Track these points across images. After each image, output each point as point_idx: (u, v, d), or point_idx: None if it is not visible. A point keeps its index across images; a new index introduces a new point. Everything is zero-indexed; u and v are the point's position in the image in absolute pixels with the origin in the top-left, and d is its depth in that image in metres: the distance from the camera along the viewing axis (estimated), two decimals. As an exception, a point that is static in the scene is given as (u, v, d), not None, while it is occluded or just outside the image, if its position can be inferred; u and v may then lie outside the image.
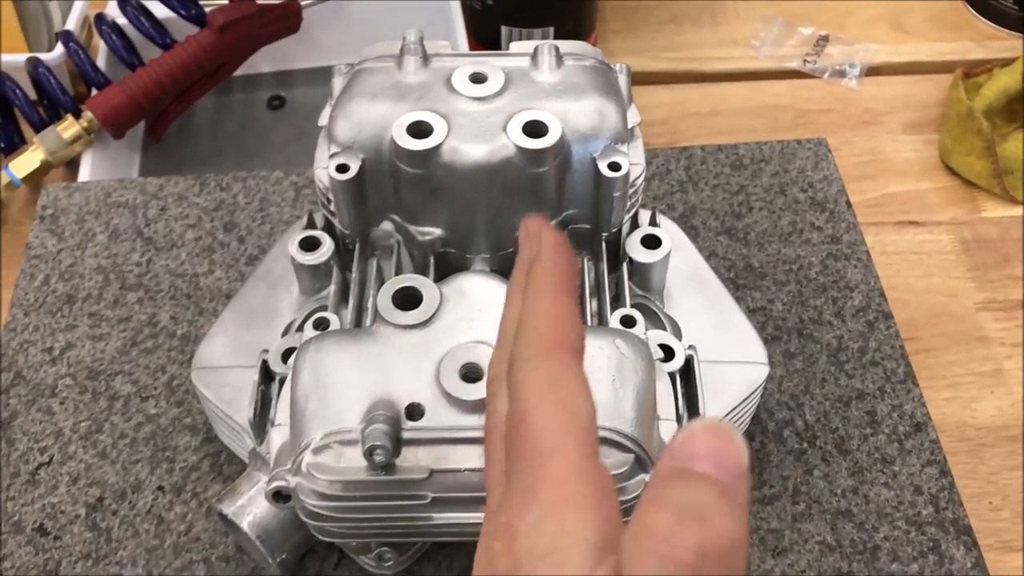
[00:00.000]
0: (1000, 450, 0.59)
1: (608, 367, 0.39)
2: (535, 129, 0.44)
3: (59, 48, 0.74)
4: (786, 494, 0.51)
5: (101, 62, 0.75)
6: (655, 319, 0.51)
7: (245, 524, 0.44)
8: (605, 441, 0.37)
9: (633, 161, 0.47)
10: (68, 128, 0.70)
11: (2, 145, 0.72)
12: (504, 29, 0.78)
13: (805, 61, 0.84)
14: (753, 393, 0.49)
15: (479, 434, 0.38)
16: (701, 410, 0.45)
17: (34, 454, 0.53)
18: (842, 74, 0.83)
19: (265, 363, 0.46)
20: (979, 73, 0.78)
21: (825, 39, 0.85)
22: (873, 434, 0.53)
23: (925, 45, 0.86)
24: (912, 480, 0.51)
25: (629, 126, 0.48)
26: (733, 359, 0.49)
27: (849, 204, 0.64)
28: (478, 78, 0.46)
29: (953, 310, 0.66)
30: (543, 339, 0.27)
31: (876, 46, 0.85)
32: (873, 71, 0.84)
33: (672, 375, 0.45)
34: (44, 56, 0.73)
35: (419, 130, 0.45)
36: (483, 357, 0.39)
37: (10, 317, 0.59)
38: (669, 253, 0.50)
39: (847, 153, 0.76)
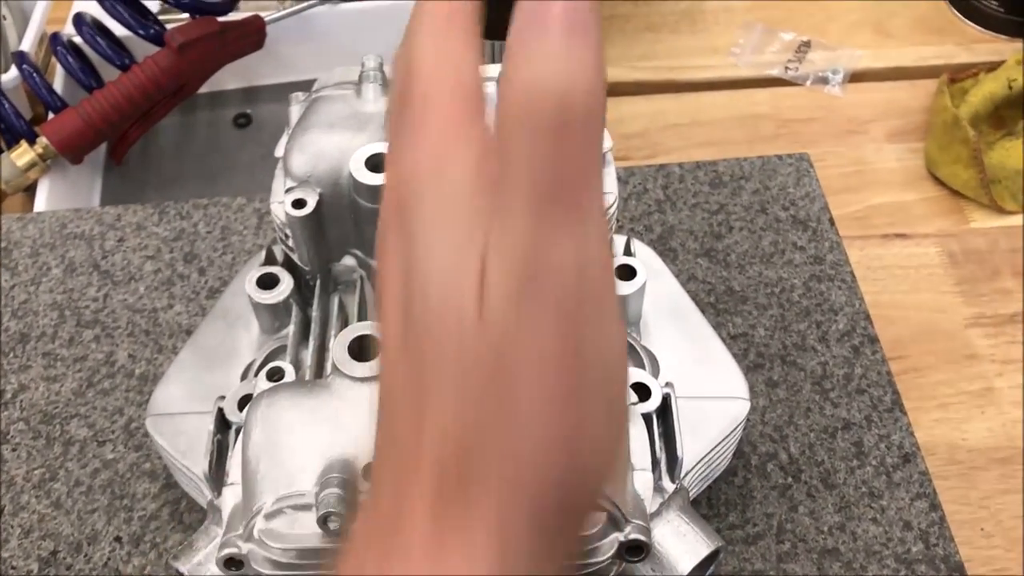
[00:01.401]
0: (991, 473, 0.57)
1: (577, 420, 0.36)
2: (499, 161, 0.42)
3: (13, 70, 0.71)
4: (770, 533, 0.49)
5: (58, 84, 0.73)
6: (632, 354, 0.48)
7: (202, 583, 0.42)
8: (574, 501, 0.35)
9: (604, 190, 0.45)
10: (23, 155, 0.67)
11: (-44, 173, 0.70)
12: (476, 41, 0.76)
13: (787, 68, 0.82)
14: (735, 430, 0.47)
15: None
16: (679, 452, 0.43)
17: (-15, 505, 0.51)
18: (825, 81, 0.81)
19: (221, 411, 0.44)
20: (965, 78, 0.76)
21: (807, 45, 0.83)
22: (860, 466, 0.51)
23: (909, 50, 0.84)
24: (901, 515, 0.49)
25: (600, 153, 0.45)
26: (713, 394, 0.47)
27: (832, 222, 0.62)
28: (439, 107, 0.44)
29: (942, 326, 0.64)
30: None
31: (859, 51, 0.83)
32: (856, 77, 0.81)
33: (647, 416, 0.43)
34: (-2, 79, 0.71)
35: (378, 163, 0.42)
36: (444, 411, 0.37)
37: (-40, 358, 0.56)
38: (644, 284, 0.48)
39: (830, 164, 0.74)
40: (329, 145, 0.44)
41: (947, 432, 0.59)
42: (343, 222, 0.45)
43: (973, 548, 0.53)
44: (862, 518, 0.49)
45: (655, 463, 0.42)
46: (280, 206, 0.44)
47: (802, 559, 0.48)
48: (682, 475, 0.44)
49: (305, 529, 0.35)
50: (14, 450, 0.52)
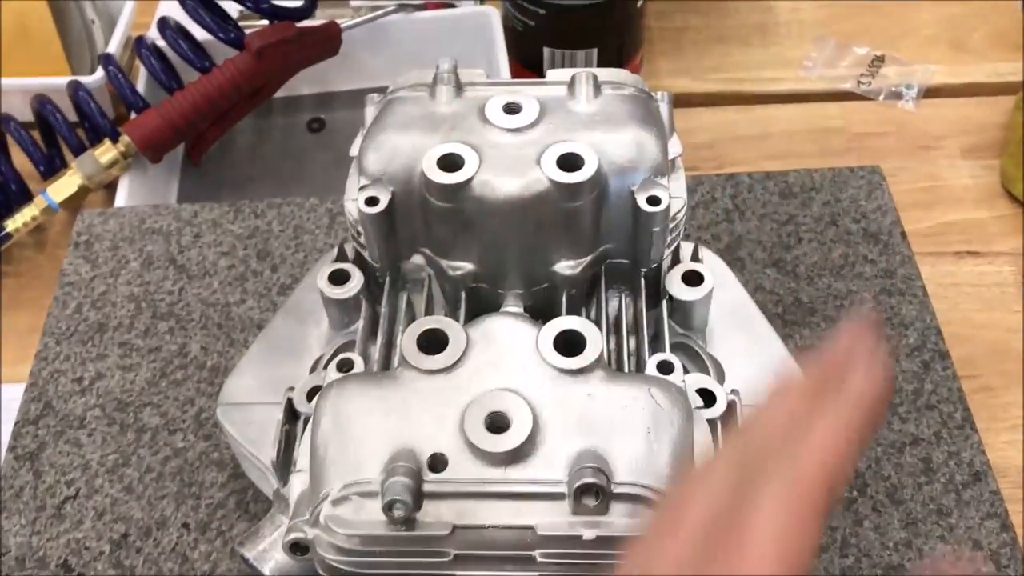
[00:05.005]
0: (1065, 498, 0.56)
1: (642, 419, 0.37)
2: (570, 162, 0.42)
3: (100, 71, 0.73)
4: (834, 546, 0.48)
5: (141, 85, 0.75)
6: (696, 360, 0.48)
7: (267, 569, 0.43)
8: (637, 499, 0.35)
9: (673, 194, 0.45)
10: (105, 153, 0.69)
11: (42, 169, 0.72)
12: (546, 51, 0.76)
13: (859, 82, 0.81)
14: (799, 440, 0.46)
15: (504, 488, 0.36)
16: (743, 460, 0.43)
17: (61, 487, 0.52)
18: (898, 96, 0.80)
19: (290, 402, 0.45)
20: (1043, 95, 0.75)
21: (880, 59, 0.82)
22: (928, 483, 0.50)
23: (986, 65, 0.82)
24: (970, 534, 0.48)
25: (670, 157, 0.46)
26: (778, 403, 0.47)
27: (904, 236, 0.61)
28: (512, 108, 0.45)
29: (1014, 346, 0.63)
30: (807, 471, 0.27)
31: (934, 67, 0.82)
32: (931, 93, 0.80)
33: (713, 422, 0.43)
34: (84, 79, 0.73)
35: (450, 163, 0.43)
36: (510, 406, 0.37)
37: (42, 345, 0.58)
38: (712, 291, 0.48)
39: (902, 179, 0.72)
40: (403, 144, 0.44)
41: (1018, 454, 0.57)
42: (413, 220, 0.45)
43: (1045, 573, 0.51)
44: (929, 535, 0.48)
45: (719, 468, 0.42)
46: (353, 203, 0.45)
47: (866, 573, 0.47)
48: (745, 483, 0.44)
49: (370, 516, 0.36)
50: (90, 435, 0.54)
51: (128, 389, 0.56)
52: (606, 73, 0.47)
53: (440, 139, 0.44)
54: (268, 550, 0.44)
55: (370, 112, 0.48)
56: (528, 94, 0.45)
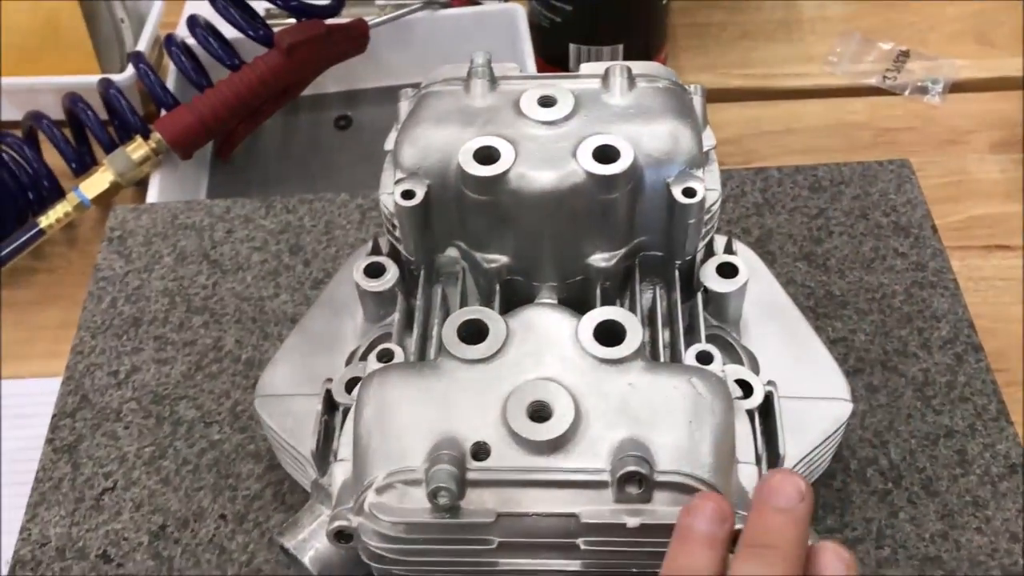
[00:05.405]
0: (1099, 491, 0.56)
1: (684, 408, 0.37)
2: (606, 154, 0.43)
3: (130, 69, 0.74)
4: (869, 537, 0.48)
5: (171, 83, 0.76)
6: (731, 352, 0.48)
7: (307, 559, 0.43)
8: (681, 487, 0.35)
9: (709, 186, 0.45)
10: (137, 149, 0.70)
11: (74, 166, 0.73)
12: (572, 47, 0.76)
13: (885, 77, 0.81)
14: (836, 431, 0.46)
15: (548, 476, 0.36)
16: (781, 450, 0.43)
17: (99, 479, 0.53)
18: (924, 90, 0.79)
19: (328, 393, 0.45)
20: (1072, 89, 0.75)
21: (906, 54, 0.82)
22: (964, 475, 0.50)
23: (1012, 59, 0.82)
24: (1007, 526, 0.48)
25: (704, 149, 0.46)
26: (814, 395, 0.47)
27: (935, 229, 0.61)
28: (547, 101, 0.45)
29: (1045, 340, 0.63)
30: None
31: (960, 61, 0.82)
32: (957, 87, 0.80)
33: (750, 412, 0.43)
34: (115, 77, 0.74)
35: (486, 155, 0.43)
36: (551, 395, 0.37)
37: (77, 339, 0.59)
38: (746, 283, 0.48)
39: (930, 174, 0.72)
40: (438, 138, 0.44)
41: (1052, 447, 0.57)
42: (448, 214, 0.45)
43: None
44: (966, 527, 0.48)
45: (757, 459, 0.42)
46: (389, 197, 0.45)
47: (903, 565, 0.47)
48: (782, 474, 0.44)
49: (415, 504, 0.36)
50: (126, 428, 0.55)
51: (164, 382, 0.56)
52: (640, 66, 0.47)
53: (475, 132, 0.44)
54: (307, 540, 0.44)
55: (404, 107, 0.49)
56: (562, 87, 0.45)
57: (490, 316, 0.40)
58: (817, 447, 0.46)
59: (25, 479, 0.53)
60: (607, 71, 0.46)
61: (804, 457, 0.45)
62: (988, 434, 0.51)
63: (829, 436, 0.46)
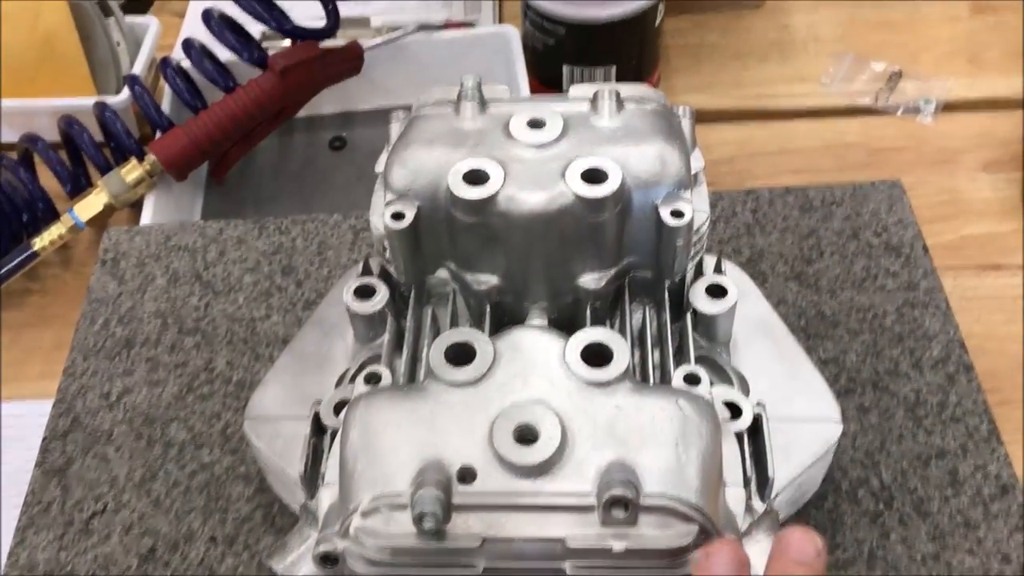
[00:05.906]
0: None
1: (671, 430, 0.37)
2: (594, 176, 0.43)
3: (125, 92, 0.74)
4: (861, 559, 0.48)
5: (166, 105, 0.76)
6: (721, 373, 0.48)
7: (295, 582, 0.43)
8: (667, 511, 0.35)
9: (697, 208, 0.45)
10: (131, 171, 0.70)
11: (69, 188, 0.73)
12: (566, 68, 0.77)
13: (877, 98, 0.81)
14: (826, 452, 0.46)
15: (533, 500, 0.36)
16: (770, 473, 0.43)
17: (88, 502, 0.53)
18: (916, 110, 0.80)
19: (317, 415, 0.45)
20: (1063, 109, 0.75)
21: (898, 75, 0.82)
22: (955, 496, 0.50)
23: (1004, 79, 0.82)
24: (999, 547, 0.48)
25: (693, 171, 0.46)
26: (804, 416, 0.47)
27: (926, 249, 0.61)
28: (536, 123, 0.45)
29: (1037, 360, 0.62)
30: None
31: (952, 81, 0.82)
32: (949, 107, 0.80)
33: (739, 435, 0.43)
34: (111, 99, 0.74)
35: (475, 178, 0.43)
36: (538, 417, 0.37)
37: (69, 361, 0.59)
38: (736, 304, 0.48)
39: (922, 193, 0.72)
40: (428, 160, 0.45)
41: (1045, 468, 0.57)
42: (438, 235, 0.46)
43: (1073, 587, 0.51)
44: (958, 548, 0.48)
45: (746, 481, 0.42)
46: (379, 218, 0.45)
47: (894, 587, 0.47)
48: (772, 496, 0.44)
49: (400, 528, 0.36)
50: (117, 450, 0.55)
51: (155, 404, 0.56)
52: (628, 89, 0.47)
53: (465, 154, 0.44)
54: (296, 563, 0.44)
55: (395, 129, 0.49)
56: (551, 109, 0.46)
57: (477, 338, 0.40)
58: (807, 468, 0.45)
59: (21, 502, 0.53)
60: (596, 94, 0.46)
61: (794, 478, 0.45)
62: (980, 455, 0.51)
63: (819, 458, 0.46)
